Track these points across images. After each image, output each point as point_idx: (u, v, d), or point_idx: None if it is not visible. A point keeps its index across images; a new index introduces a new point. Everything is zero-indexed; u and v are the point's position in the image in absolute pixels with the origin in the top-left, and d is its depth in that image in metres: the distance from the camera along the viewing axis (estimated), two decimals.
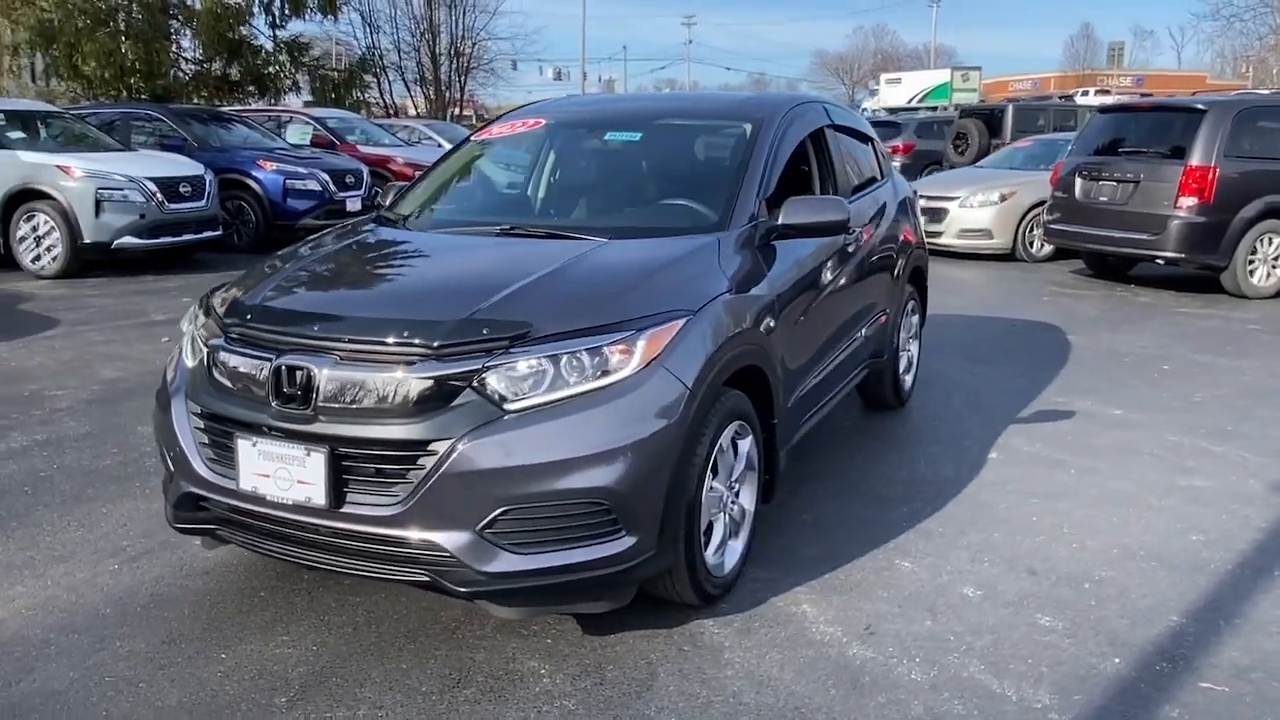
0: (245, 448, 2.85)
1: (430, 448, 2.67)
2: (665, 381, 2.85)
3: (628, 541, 2.79)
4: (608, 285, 3.09)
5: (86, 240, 9.82)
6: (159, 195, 10.14)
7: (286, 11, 19.80)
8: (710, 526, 3.23)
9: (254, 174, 12.02)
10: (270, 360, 2.83)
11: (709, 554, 3.21)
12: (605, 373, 2.78)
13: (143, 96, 18.06)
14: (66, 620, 3.17)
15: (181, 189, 10.42)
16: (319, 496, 2.74)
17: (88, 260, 9.99)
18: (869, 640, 3.08)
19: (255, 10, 19.45)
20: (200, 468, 2.99)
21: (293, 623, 3.16)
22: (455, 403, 2.70)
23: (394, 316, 2.87)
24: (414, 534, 2.69)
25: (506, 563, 2.70)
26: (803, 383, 3.90)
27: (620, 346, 2.82)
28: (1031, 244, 11.90)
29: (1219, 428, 5.31)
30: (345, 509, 2.74)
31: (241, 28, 19.04)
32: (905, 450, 4.95)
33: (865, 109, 48.58)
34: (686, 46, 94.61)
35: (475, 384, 2.71)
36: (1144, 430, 5.27)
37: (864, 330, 4.72)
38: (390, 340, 2.77)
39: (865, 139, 5.34)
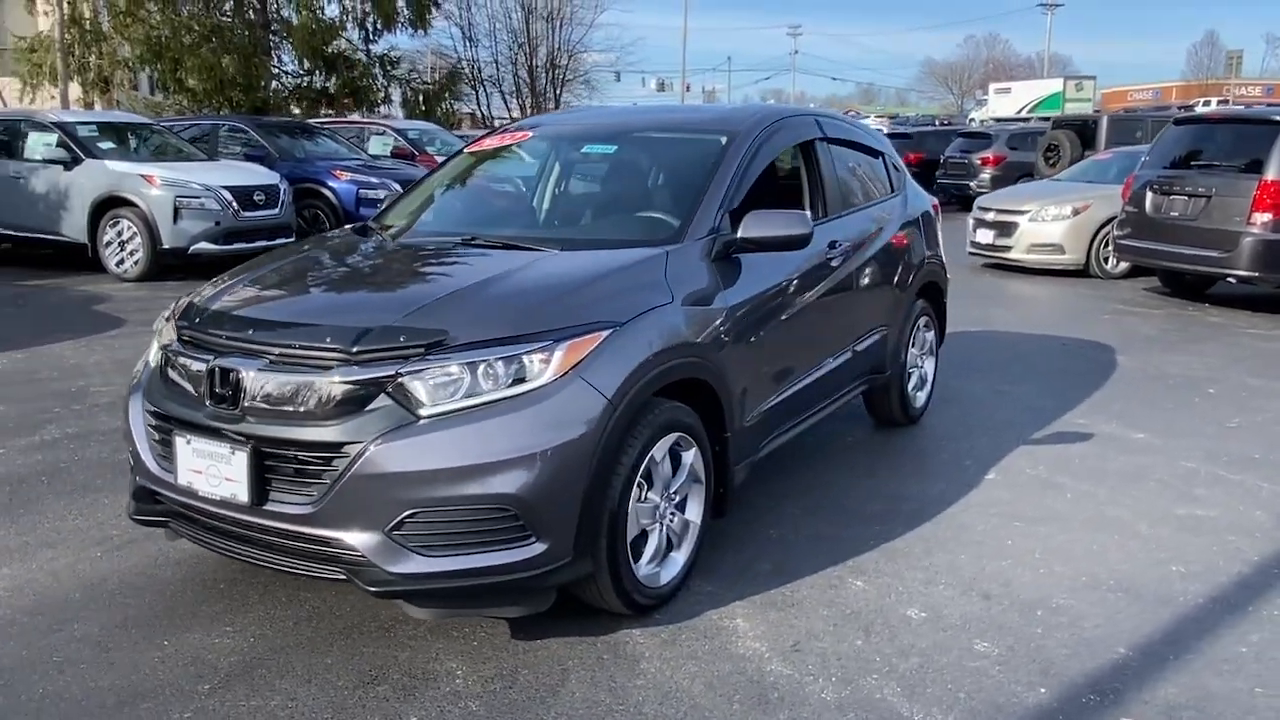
0: (181, 445, 3.00)
1: (344, 450, 2.76)
2: (581, 391, 2.89)
3: (538, 548, 2.84)
4: (532, 296, 3.16)
5: (165, 245, 10.36)
6: (234, 203, 10.63)
7: (378, 26, 20.47)
8: (644, 537, 3.26)
9: (329, 184, 12.49)
10: (208, 362, 2.98)
11: (642, 564, 3.23)
12: (519, 381, 2.84)
13: (243, 109, 18.92)
14: (36, 602, 3.38)
15: (256, 197, 10.89)
16: (242, 494, 2.87)
17: (167, 264, 10.53)
18: (791, 657, 3.05)
19: (349, 25, 20.15)
20: (151, 463, 3.15)
21: (240, 614, 3.30)
22: (370, 407, 2.79)
23: (322, 322, 2.99)
24: (328, 533, 2.79)
25: (415, 564, 2.78)
26: (768, 397, 3.88)
27: (538, 356, 2.87)
28: (1106, 260, 11.48)
29: (1245, 455, 5.07)
30: (267, 506, 2.86)
31: (337, 42, 19.73)
32: (899, 468, 4.87)
33: (973, 119, 47.43)
34: (792, 57, 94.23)
35: (390, 389, 2.80)
36: (1162, 455, 5.06)
37: (857, 345, 4.66)
38: (313, 345, 2.88)
39: (874, 153, 5.28)
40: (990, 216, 12.18)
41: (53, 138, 11.03)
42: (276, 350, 2.92)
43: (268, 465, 2.86)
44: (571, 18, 39.38)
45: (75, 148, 10.81)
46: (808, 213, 3.94)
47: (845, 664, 3.02)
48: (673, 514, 3.37)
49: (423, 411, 2.78)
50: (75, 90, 18.95)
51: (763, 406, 3.84)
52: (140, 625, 3.23)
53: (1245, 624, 3.30)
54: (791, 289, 4.01)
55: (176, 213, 10.39)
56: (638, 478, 3.12)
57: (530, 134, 4.63)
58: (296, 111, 20.28)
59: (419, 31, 21.11)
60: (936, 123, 37.74)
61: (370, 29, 20.58)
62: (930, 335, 5.66)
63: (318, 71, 20.93)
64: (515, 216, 4.33)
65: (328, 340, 2.88)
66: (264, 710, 2.75)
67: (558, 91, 38.50)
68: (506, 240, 3.70)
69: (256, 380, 2.88)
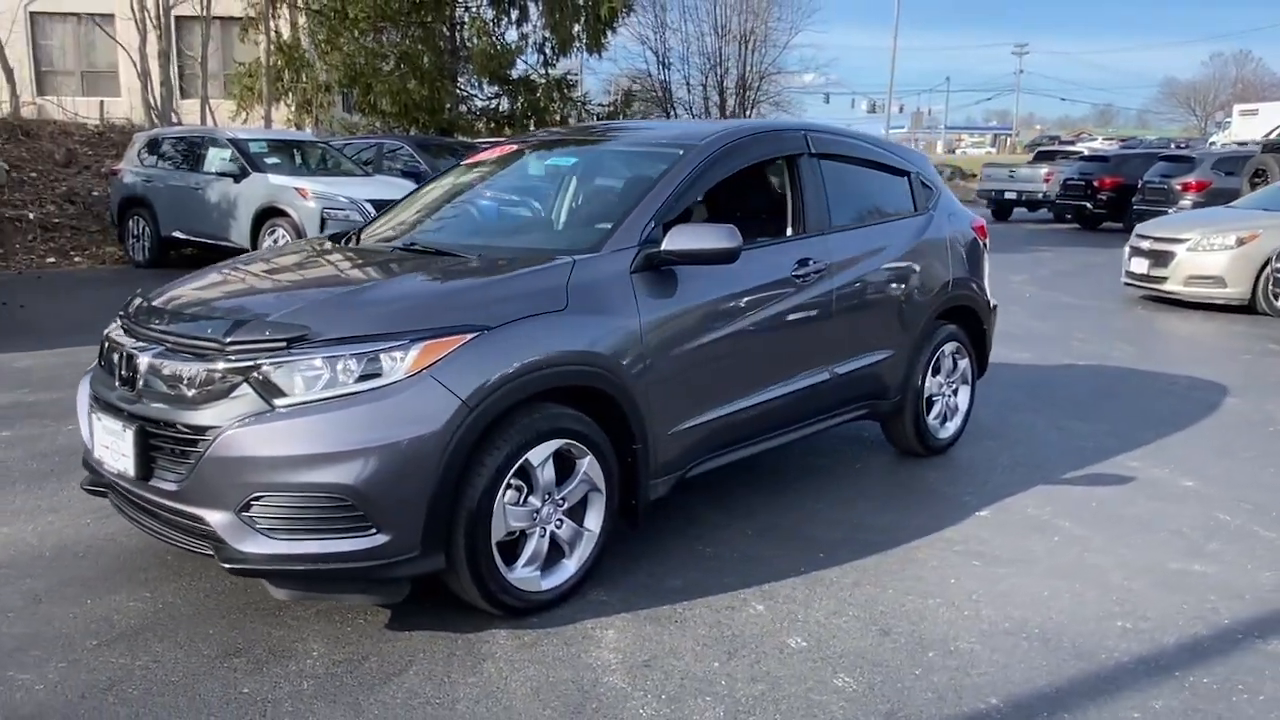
0: (95, 422, 3.32)
1: (207, 434, 2.98)
2: (431, 390, 2.99)
3: (380, 539, 2.95)
4: (403, 299, 3.30)
5: None
6: (376, 214, 11.36)
7: (555, 51, 21.29)
8: (522, 539, 3.31)
9: None
10: (122, 348, 3.28)
11: (517, 567, 3.28)
12: (371, 377, 2.97)
13: (430, 130, 20.14)
14: (12, 556, 3.80)
15: None
16: (131, 468, 3.14)
17: None
18: (636, 672, 3.02)
19: (528, 50, 21.07)
20: (87, 438, 3.49)
21: (167, 582, 3.59)
22: (233, 395, 2.99)
23: (212, 316, 3.22)
24: (192, 509, 3.02)
25: (262, 545, 2.95)
26: (699, 414, 3.83)
27: (393, 354, 2.99)
28: (1277, 296, 10.41)
29: None
30: (151, 481, 3.12)
31: (516, 66, 20.68)
32: (886, 498, 4.66)
33: (1213, 142, 43.69)
34: (1017, 76, 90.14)
35: (251, 379, 2.99)
36: (1198, 505, 4.59)
37: (840, 367, 4.49)
38: (196, 336, 3.13)
39: (894, 170, 5.08)
40: (1146, 245, 11.32)
41: (227, 153, 12.17)
42: (171, 339, 3.18)
43: (152, 444, 3.12)
44: (766, 39, 39.49)
45: (245, 162, 11.89)
46: (735, 227, 3.84)
47: (685, 684, 2.96)
48: (560, 520, 3.40)
49: (278, 401, 2.96)
50: (284, 112, 20.74)
51: (691, 422, 3.79)
52: (80, 584, 3.57)
53: (1156, 689, 2.98)
54: (737, 304, 3.95)
55: (323, 223, 11.20)
56: (507, 479, 3.18)
57: (513, 148, 4.77)
58: (484, 134, 21.32)
59: (594, 55, 21.83)
60: (1172, 146, 35.11)
61: (548, 53, 21.43)
62: (964, 364, 5.37)
63: (502, 95, 22.00)
64: (463, 225, 4.44)
65: (208, 332, 3.11)
66: (127, 668, 3.00)
67: (747, 113, 38.64)
68: (441, 248, 3.84)
69: (150, 365, 3.15)
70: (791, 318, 4.21)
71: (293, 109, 20.24)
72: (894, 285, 4.80)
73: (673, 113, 39.00)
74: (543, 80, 21.71)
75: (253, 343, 3.04)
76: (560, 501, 3.39)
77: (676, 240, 3.65)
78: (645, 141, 4.50)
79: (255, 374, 2.99)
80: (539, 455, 3.27)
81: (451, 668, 3.03)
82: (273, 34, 19.38)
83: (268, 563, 2.96)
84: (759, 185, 4.89)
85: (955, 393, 5.38)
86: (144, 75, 17.82)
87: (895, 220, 4.95)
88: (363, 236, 4.45)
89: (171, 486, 3.05)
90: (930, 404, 5.20)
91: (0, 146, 15.27)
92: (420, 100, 19.69)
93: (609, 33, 21.60)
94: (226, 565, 2.99)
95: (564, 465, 3.40)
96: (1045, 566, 3.87)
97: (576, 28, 21.08)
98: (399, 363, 2.99)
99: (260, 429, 2.93)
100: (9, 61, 17.12)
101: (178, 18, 20.14)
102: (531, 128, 22.18)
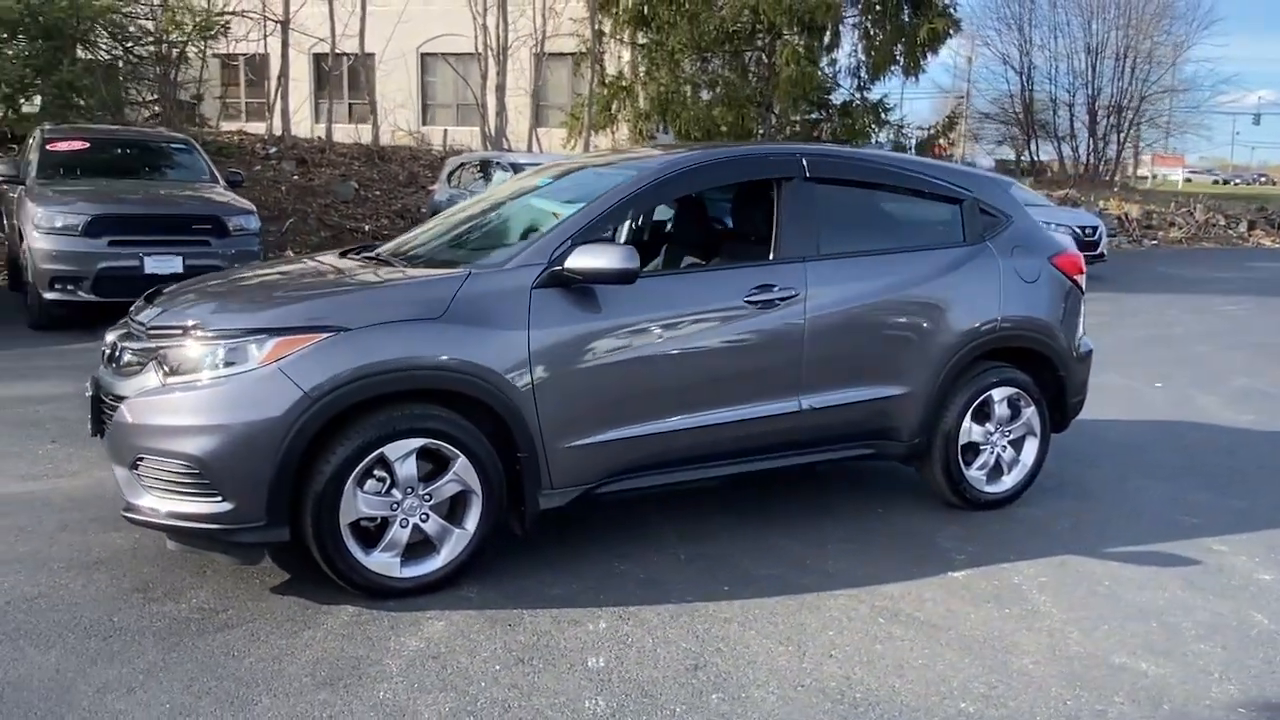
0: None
1: (121, 402, 3.58)
2: (277, 381, 3.37)
3: (225, 506, 3.38)
4: (285, 299, 3.71)
5: None
6: None
7: (870, 75, 20.97)
8: (384, 527, 3.59)
9: None
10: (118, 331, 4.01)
11: (375, 552, 3.57)
12: (234, 365, 3.41)
13: None
14: (27, 502, 4.58)
15: None
16: (90, 428, 3.84)
17: None
18: (418, 663, 3.19)
19: (842, 74, 20.95)
20: None
21: (128, 533, 4.22)
22: (144, 373, 3.57)
23: (162, 308, 3.82)
24: (112, 464, 3.63)
25: (145, 499, 3.50)
26: (608, 430, 3.86)
27: (253, 347, 3.41)
28: None
29: None
30: (101, 438, 3.79)
31: (831, 90, 20.64)
32: (864, 542, 4.34)
33: None
34: None
35: (155, 360, 3.55)
36: (1244, 600, 3.84)
37: (815, 400, 4.26)
38: (140, 322, 3.75)
39: (941, 198, 4.71)
40: None
41: (506, 174, 13.45)
42: (132, 326, 3.83)
43: (101, 408, 3.78)
44: (1150, 55, 35.90)
45: None
46: (633, 249, 3.82)
47: (446, 680, 3.08)
48: (426, 515, 3.63)
49: (167, 381, 3.49)
50: (610, 139, 22.30)
51: (595, 438, 3.84)
52: (86, 523, 4.31)
53: None
54: (663, 325, 3.93)
55: None
56: (359, 469, 3.48)
57: (541, 167, 5.03)
58: None
59: (910, 78, 21.19)
60: None
61: (863, 77, 21.17)
62: (1029, 413, 4.81)
63: (818, 117, 22.06)
64: (452, 239, 4.68)
65: (147, 320, 3.72)
66: (57, 587, 3.66)
67: (1121, 136, 35.33)
68: (408, 260, 4.22)
69: (116, 345, 3.81)
70: (741, 343, 4.10)
71: (619, 136, 21.67)
72: (906, 317, 4.46)
73: (1034, 136, 36.68)
74: (858, 104, 21.46)
75: (163, 329, 3.60)
76: (426, 497, 3.63)
77: (577, 259, 3.75)
78: (619, 164, 4.58)
79: (157, 356, 3.55)
80: (398, 451, 3.53)
81: (278, 630, 3.38)
82: (599, 67, 20.92)
83: (148, 514, 3.50)
84: (738, 209, 4.77)
85: (1015, 444, 4.84)
86: (482, 107, 20.05)
87: (920, 250, 4.59)
88: (398, 246, 4.91)
89: (104, 444, 3.70)
90: (972, 453, 4.75)
91: (357, 169, 17.93)
92: (726, 126, 20.27)
93: (928, 55, 20.90)
94: (125, 515, 3.57)
95: (441, 464, 3.64)
96: (971, 640, 3.47)
97: (898, 48, 20.62)
98: (256, 354, 3.40)
99: (148, 401, 3.48)
100: (382, 97, 20.04)
101: (544, 54, 22.46)
102: None
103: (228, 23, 15.09)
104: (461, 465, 3.64)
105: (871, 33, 21.09)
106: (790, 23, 19.48)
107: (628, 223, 5.57)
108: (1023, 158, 35.68)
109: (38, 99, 13.64)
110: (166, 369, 3.51)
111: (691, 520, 4.54)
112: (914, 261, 4.54)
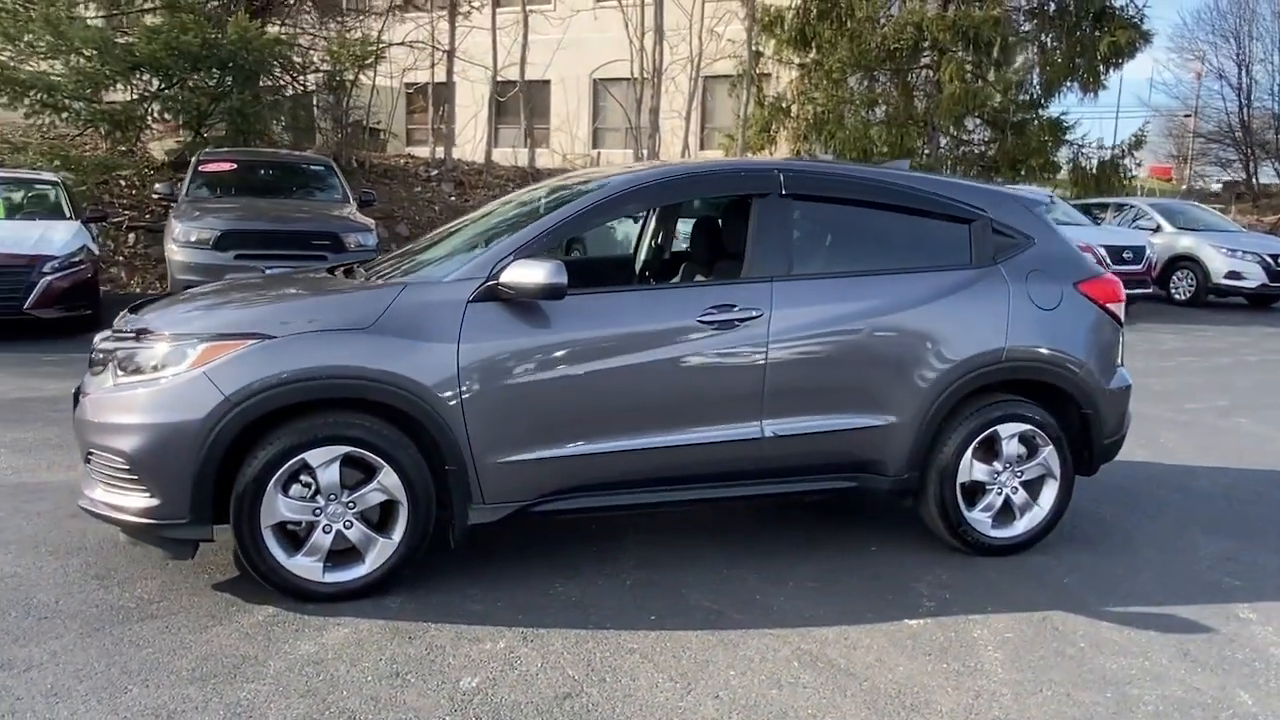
0: None
1: (81, 401, 3.83)
2: (201, 384, 3.51)
3: (153, 501, 3.55)
4: (226, 308, 3.86)
5: None
6: None
7: (1041, 91, 19.85)
8: (309, 532, 3.67)
9: None
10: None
11: (299, 556, 3.65)
12: (165, 367, 3.59)
13: None
14: (18, 489, 4.97)
15: None
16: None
17: None
18: (297, 668, 3.23)
19: (1014, 90, 19.90)
20: None
21: None
22: (104, 372, 3.81)
23: (137, 314, 4.06)
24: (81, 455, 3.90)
25: (94, 492, 3.72)
26: (542, 448, 3.80)
27: (184, 352, 3.58)
28: None
29: None
30: None
31: (996, 107, 19.68)
32: (829, 579, 4.06)
33: None
34: None
35: (111, 362, 3.78)
36: (1217, 675, 3.35)
37: (787, 426, 4.05)
38: (113, 329, 4.00)
39: (947, 218, 4.38)
40: None
41: None
42: (111, 329, 4.10)
43: (77, 403, 4.06)
44: None
45: None
46: (562, 264, 3.73)
47: (309, 685, 3.11)
48: (350, 522, 3.69)
49: (117, 380, 3.71)
50: (767, 157, 22.14)
51: (528, 455, 3.79)
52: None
53: None
54: (605, 343, 3.84)
55: None
56: (281, 473, 3.58)
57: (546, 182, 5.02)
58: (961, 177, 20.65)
59: (1089, 94, 19.82)
60: None
61: (1035, 94, 20.04)
62: (1046, 452, 4.38)
63: (989, 138, 21.09)
64: (419, 254, 4.71)
65: (116, 325, 3.97)
66: (29, 566, 3.95)
67: None
68: (378, 276, 4.31)
69: (95, 350, 4.09)
70: (693, 364, 3.95)
71: (779, 156, 21.48)
72: (890, 343, 4.17)
73: (1253, 157, 33.71)
74: (1033, 121, 20.33)
75: (122, 334, 3.83)
76: (350, 504, 3.68)
77: (510, 274, 3.73)
78: (598, 179, 4.49)
79: (114, 358, 3.78)
80: (320, 457, 3.61)
81: (192, 625, 3.51)
82: (756, 88, 20.80)
83: (95, 506, 3.72)
84: (716, 226, 4.56)
85: (1030, 486, 4.43)
86: (636, 130, 20.33)
87: (913, 272, 4.28)
88: (383, 260, 5.00)
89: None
90: (975, 493, 4.38)
91: (511, 191, 18.54)
92: (887, 146, 19.67)
93: (1110, 70, 19.53)
94: (80, 504, 3.81)
95: (371, 473, 3.69)
96: (872, 696, 3.20)
97: (1076, 62, 19.40)
98: (186, 359, 3.57)
99: (99, 398, 3.71)
100: (559, 121, 20.63)
101: (707, 78, 22.62)
102: (1023, 172, 20.94)
103: (383, 53, 15.96)
104: (386, 475, 3.68)
105: (1048, 46, 19.97)
106: (955, 38, 18.74)
107: (648, 241, 5.55)
108: (1237, 178, 32.73)
109: (220, 126, 14.86)
110: (119, 370, 3.73)
111: (663, 544, 4.40)
112: (903, 284, 4.24)
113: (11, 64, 13.19)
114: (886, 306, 4.18)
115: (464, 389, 3.69)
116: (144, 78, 13.79)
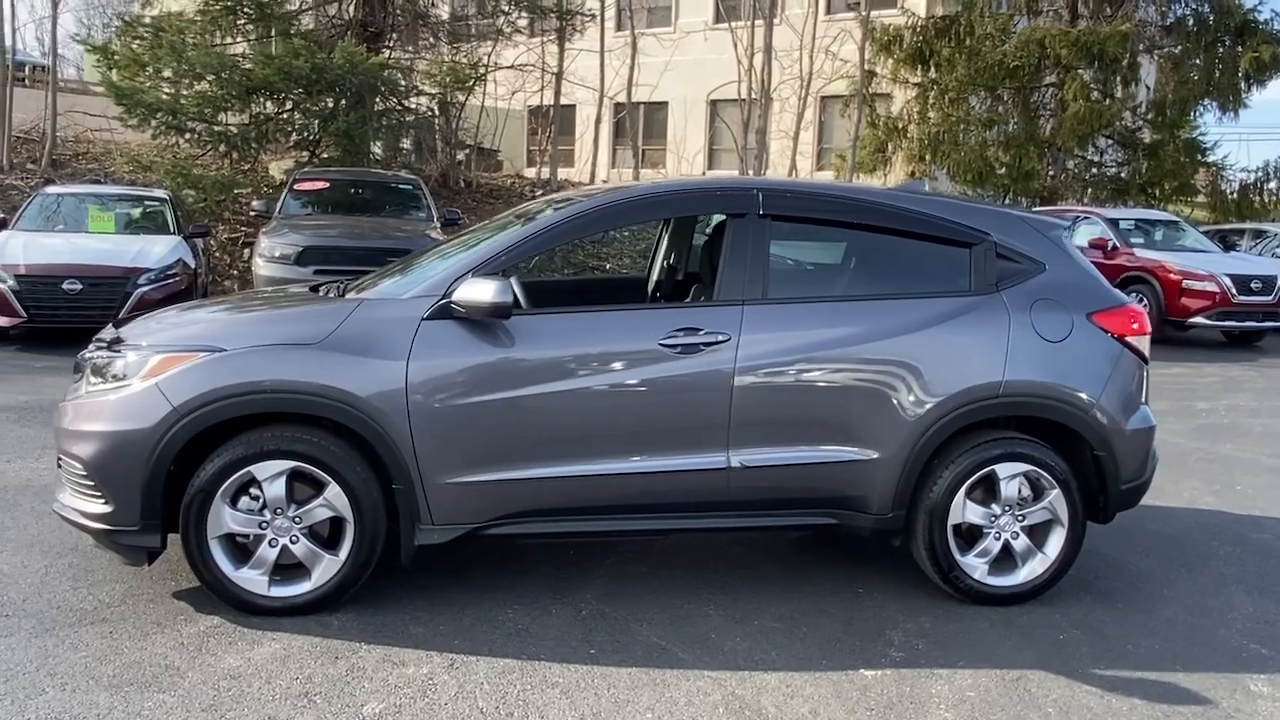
0: None
1: (58, 406, 3.97)
2: (153, 395, 3.58)
3: (106, 508, 3.63)
4: (190, 320, 3.91)
5: None
6: None
7: (1173, 111, 18.71)
8: (256, 545, 3.69)
9: None
10: None
11: (245, 569, 3.67)
12: (125, 377, 3.67)
13: (1019, 196, 19.25)
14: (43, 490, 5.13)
15: None
16: None
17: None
18: (219, 684, 3.23)
19: (1143, 108, 18.85)
20: None
21: None
22: (81, 379, 3.94)
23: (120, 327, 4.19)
24: None
25: (64, 495, 3.84)
26: (492, 470, 3.72)
27: (142, 363, 3.66)
28: None
29: None
30: None
31: (1126, 127, 18.68)
32: (795, 623, 3.83)
33: None
34: None
35: (87, 369, 3.90)
36: None
37: (756, 457, 3.85)
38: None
39: (945, 241, 4.10)
40: None
41: None
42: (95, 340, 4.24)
43: None
44: None
45: None
46: (511, 281, 3.65)
47: (215, 697, 3.10)
48: (295, 538, 3.68)
49: (90, 388, 3.82)
50: (882, 179, 21.58)
51: (477, 477, 3.72)
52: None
53: None
54: (567, 365, 3.74)
55: None
56: (229, 485, 3.61)
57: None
58: (1084, 201, 19.67)
59: (1229, 113, 18.56)
60: None
61: (1169, 114, 18.89)
62: (1052, 496, 4.04)
63: (1120, 159, 20.06)
64: (400, 270, 4.65)
65: (98, 336, 4.10)
66: (9, 562, 4.12)
67: None
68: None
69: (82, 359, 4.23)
70: (654, 389, 3.80)
71: (895, 177, 20.94)
72: (871, 372, 3.92)
73: None
74: (1169, 142, 19.18)
75: (99, 343, 3.95)
76: (296, 519, 3.68)
77: (460, 292, 3.68)
78: (575, 197, 4.38)
79: (89, 365, 3.90)
80: (266, 471, 3.62)
81: (135, 631, 3.55)
82: (869, 108, 20.34)
83: (63, 509, 3.83)
84: (693, 247, 4.39)
85: (1033, 532, 4.09)
86: (744, 150, 20.16)
87: (901, 298, 4.02)
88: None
89: None
90: (972, 536, 4.07)
91: None
92: (1004, 168, 18.92)
93: (1252, 88, 18.26)
94: (53, 505, 3.94)
95: (311, 486, 3.69)
96: None
97: (1214, 80, 18.24)
98: (142, 370, 3.64)
99: (68, 404, 3.83)
100: (677, 143, 20.66)
101: (823, 98, 22.33)
102: (1157, 195, 19.81)
103: (486, 75, 16.31)
104: (333, 491, 3.67)
105: (1184, 63, 18.84)
106: (1079, 55, 17.86)
107: (660, 261, 5.41)
108: None
109: (335, 147, 15.47)
110: (92, 377, 3.84)
111: (633, 574, 4.25)
112: (888, 311, 3.98)
113: (142, 89, 14.05)
114: (867, 334, 3.94)
115: (412, 406, 3.65)
116: (259, 101, 14.47)
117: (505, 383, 3.72)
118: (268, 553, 3.69)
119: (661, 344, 3.80)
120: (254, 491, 3.67)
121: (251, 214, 12.21)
